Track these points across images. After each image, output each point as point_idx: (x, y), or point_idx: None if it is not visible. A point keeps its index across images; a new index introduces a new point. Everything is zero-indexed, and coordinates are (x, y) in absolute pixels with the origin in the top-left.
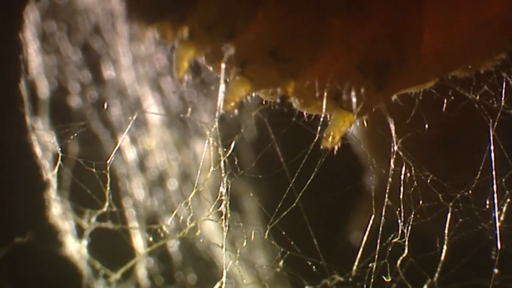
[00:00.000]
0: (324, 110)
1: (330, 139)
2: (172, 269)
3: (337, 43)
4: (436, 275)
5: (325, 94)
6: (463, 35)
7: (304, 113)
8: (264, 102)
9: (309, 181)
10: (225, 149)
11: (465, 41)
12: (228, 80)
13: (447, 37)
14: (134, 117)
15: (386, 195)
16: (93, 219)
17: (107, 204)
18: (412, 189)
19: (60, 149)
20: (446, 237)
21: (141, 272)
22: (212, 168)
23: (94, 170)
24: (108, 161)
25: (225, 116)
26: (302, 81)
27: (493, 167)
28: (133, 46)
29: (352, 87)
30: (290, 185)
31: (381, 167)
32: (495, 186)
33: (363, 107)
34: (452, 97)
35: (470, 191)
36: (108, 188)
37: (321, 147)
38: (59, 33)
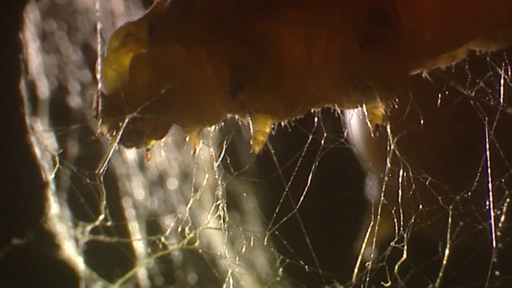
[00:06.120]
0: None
1: (375, 117)
2: (172, 269)
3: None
4: (438, 280)
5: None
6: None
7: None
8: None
9: (306, 187)
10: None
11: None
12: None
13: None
14: (123, 125)
15: (382, 197)
16: (93, 221)
17: (102, 217)
18: (411, 192)
19: (58, 148)
20: (448, 241)
21: (141, 272)
22: (207, 176)
23: (88, 180)
24: (101, 171)
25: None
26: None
27: (488, 165)
28: None
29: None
30: (286, 190)
31: (380, 171)
32: (490, 185)
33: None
34: (447, 92)
35: (469, 193)
36: (104, 198)
37: (371, 127)
38: (59, 33)
